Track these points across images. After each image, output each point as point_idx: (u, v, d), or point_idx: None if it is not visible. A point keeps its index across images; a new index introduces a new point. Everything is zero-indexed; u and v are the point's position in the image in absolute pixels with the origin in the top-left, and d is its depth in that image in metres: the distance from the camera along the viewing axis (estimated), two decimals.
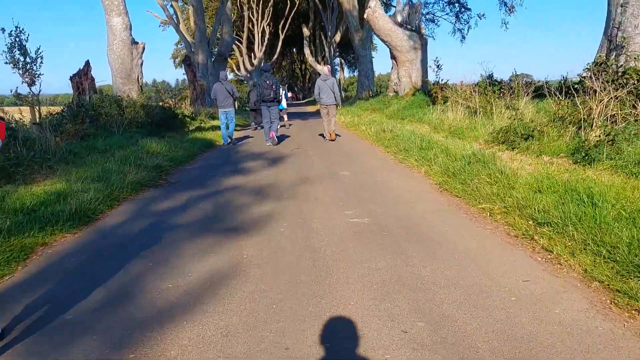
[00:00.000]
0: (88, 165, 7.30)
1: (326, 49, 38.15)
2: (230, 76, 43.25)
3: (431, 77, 16.29)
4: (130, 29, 13.54)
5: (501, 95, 10.06)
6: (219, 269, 3.55)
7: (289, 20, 39.82)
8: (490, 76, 11.11)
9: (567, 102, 7.42)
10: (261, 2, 38.67)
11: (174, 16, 25.10)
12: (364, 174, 7.23)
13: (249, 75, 41.64)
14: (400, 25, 18.30)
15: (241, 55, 41.67)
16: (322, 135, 12.40)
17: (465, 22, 34.10)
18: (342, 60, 49.24)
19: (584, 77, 7.99)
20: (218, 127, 14.87)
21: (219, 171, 7.95)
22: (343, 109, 20.70)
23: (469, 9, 31.77)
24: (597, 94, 6.73)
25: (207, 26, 27.80)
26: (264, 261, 3.67)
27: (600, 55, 8.01)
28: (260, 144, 11.93)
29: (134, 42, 13.74)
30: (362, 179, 6.83)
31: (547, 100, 8.97)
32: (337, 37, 36.23)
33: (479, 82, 10.42)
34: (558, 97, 7.77)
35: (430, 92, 14.45)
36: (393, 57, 18.63)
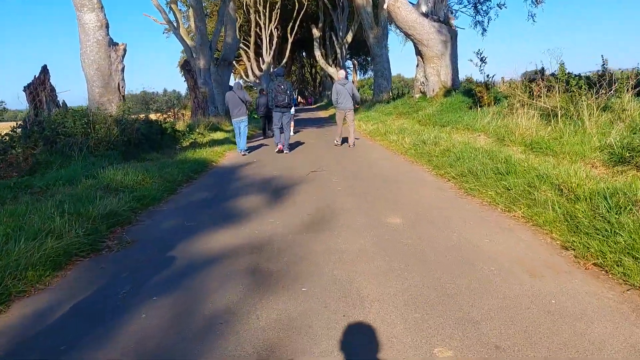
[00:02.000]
0: (0, 218, 4.68)
1: (338, 50, 35.52)
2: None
3: (463, 74, 13.52)
4: (107, 27, 10.99)
5: (586, 92, 7.26)
6: None
7: (298, 22, 37.20)
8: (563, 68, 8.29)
9: None
10: (268, 4, 36.17)
11: (174, 20, 22.64)
12: (424, 220, 4.49)
13: (257, 81, 39.19)
14: (426, 15, 15.53)
15: (249, 61, 39.24)
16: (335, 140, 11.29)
17: (485, 14, 31.38)
18: (355, 62, 46.35)
19: None
20: (217, 142, 12.31)
21: (202, 216, 5.27)
22: (362, 114, 18.03)
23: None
24: None
25: (211, 33, 25.32)
26: None
27: None
28: (269, 161, 9.28)
29: (113, 43, 11.18)
30: (427, 233, 4.09)
31: None
32: (349, 38, 33.54)
33: (557, 74, 7.61)
34: None
35: (472, 92, 11.67)
36: (418, 52, 15.86)
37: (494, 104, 10.56)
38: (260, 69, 38.86)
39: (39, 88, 8.85)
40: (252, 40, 37.85)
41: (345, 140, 10.93)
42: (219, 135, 14.40)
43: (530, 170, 5.19)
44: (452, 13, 17.11)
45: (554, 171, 4.91)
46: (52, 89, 9.39)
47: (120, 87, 11.23)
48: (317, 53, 34.16)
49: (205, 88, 20.12)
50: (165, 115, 17.88)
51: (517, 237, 3.87)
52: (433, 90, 15.30)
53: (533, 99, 8.09)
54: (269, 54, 37.61)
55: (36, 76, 9.25)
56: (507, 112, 8.58)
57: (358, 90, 42.68)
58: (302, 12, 36.58)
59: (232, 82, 23.05)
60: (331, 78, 40.82)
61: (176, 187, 7.00)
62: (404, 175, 6.89)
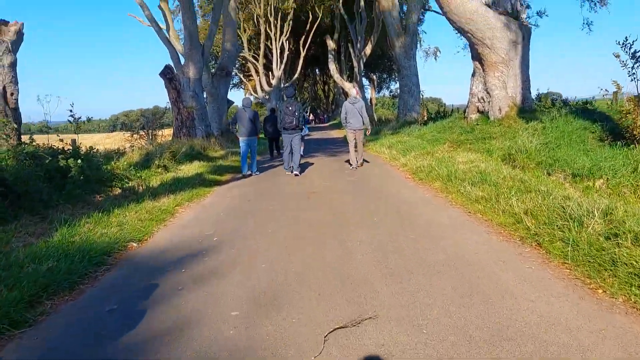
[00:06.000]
0: None
1: (355, 63, 30.70)
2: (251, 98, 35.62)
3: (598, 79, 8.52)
4: None
5: None
6: None
7: (311, 35, 32.49)
8: None
9: None
10: (280, 15, 31.64)
11: (163, 19, 17.99)
12: None
13: (267, 97, 34.47)
14: (489, 6, 10.61)
15: (257, 75, 34.57)
16: (348, 162, 10.01)
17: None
18: (374, 77, 41.27)
19: None
20: (180, 184, 7.41)
21: None
22: (391, 139, 13.07)
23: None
24: None
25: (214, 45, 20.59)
26: None
27: None
28: (248, 238, 4.27)
29: None
30: None
31: None
32: (368, 50, 28.75)
33: None
34: None
35: (594, 113, 6.62)
36: (476, 56, 10.87)
37: None
38: (269, 84, 34.18)
39: None
40: (261, 53, 33.24)
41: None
42: (192, 168, 9.46)
43: None
44: (522, 5, 12.12)
45: None
46: None
47: (8, 94, 6.38)
48: (332, 67, 29.40)
49: (194, 102, 15.31)
50: (135, 136, 13.11)
51: None
52: (500, 110, 10.26)
53: None
54: (279, 68, 32.96)
55: None
56: None
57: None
58: (315, 24, 31.91)
59: (230, 97, 18.29)
60: (345, 95, 35.96)
61: None
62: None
